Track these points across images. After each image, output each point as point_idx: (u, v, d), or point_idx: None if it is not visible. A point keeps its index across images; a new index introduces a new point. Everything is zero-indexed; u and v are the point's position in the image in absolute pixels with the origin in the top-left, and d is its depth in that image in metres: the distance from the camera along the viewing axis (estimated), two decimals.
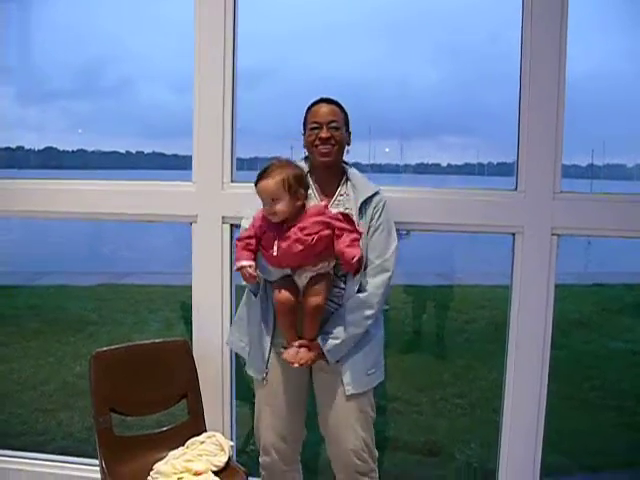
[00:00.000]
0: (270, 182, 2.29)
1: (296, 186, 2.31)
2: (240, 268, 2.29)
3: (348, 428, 2.46)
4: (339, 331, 2.37)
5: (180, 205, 2.89)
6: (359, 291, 2.38)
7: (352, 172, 2.50)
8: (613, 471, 4.07)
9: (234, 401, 3.01)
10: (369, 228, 2.41)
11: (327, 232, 2.26)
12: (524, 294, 2.72)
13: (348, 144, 2.50)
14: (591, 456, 4.09)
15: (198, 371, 2.76)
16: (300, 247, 2.25)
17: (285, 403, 2.52)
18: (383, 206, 2.45)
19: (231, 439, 2.85)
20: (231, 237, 2.88)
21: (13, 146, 4.34)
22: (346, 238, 2.25)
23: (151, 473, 2.50)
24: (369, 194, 2.43)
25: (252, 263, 2.29)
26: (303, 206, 2.33)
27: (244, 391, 3.27)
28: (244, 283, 2.39)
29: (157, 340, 2.79)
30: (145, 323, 6.23)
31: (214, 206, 2.85)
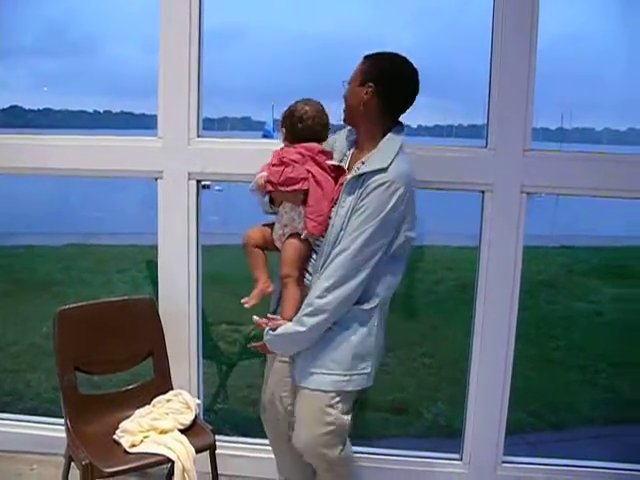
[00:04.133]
0: None
1: (281, 119, 2.31)
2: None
3: (300, 421, 2.29)
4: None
5: (145, 160, 2.83)
6: None
7: (385, 139, 2.15)
8: (576, 427, 4.16)
9: (201, 359, 2.99)
10: (353, 208, 2.10)
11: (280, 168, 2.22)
12: (493, 253, 2.72)
13: (365, 102, 2.13)
14: (555, 413, 4.17)
15: (164, 329, 2.74)
16: (265, 171, 2.24)
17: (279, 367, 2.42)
18: (377, 187, 2.06)
19: (198, 397, 2.83)
20: (197, 193, 2.83)
21: None
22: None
23: (117, 431, 2.48)
24: (368, 169, 2.09)
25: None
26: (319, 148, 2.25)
27: (210, 349, 3.27)
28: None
29: (122, 298, 2.77)
30: (112, 283, 6.15)
31: (180, 161, 2.79)
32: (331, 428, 2.23)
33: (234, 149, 2.80)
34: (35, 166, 2.90)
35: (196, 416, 2.58)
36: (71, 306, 2.61)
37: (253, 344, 2.32)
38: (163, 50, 2.75)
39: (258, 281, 2.33)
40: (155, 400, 2.63)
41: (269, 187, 2.23)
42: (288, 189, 2.19)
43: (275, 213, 2.32)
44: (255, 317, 2.26)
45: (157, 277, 2.93)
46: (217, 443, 2.52)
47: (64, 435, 2.54)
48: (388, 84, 2.13)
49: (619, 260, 7.41)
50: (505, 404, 2.85)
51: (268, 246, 2.35)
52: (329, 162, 2.23)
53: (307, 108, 2.26)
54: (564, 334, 5.49)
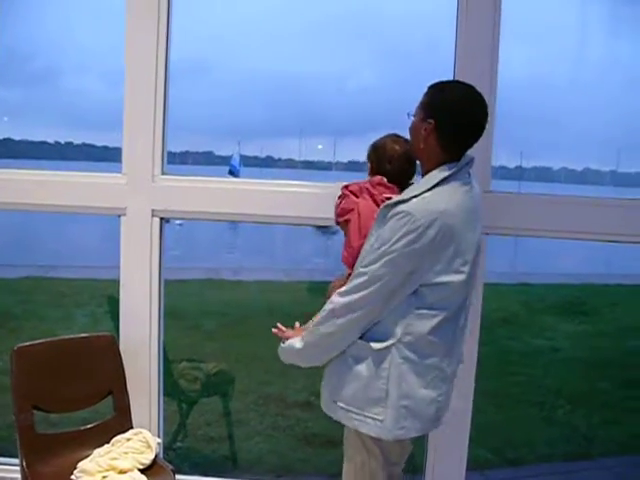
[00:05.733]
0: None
1: (381, 160, 2.26)
2: None
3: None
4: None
5: (109, 197, 2.81)
6: None
7: (429, 174, 2.02)
8: (535, 464, 4.20)
9: (162, 397, 2.95)
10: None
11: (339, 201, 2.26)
12: None
13: (425, 139, 2.01)
14: (514, 450, 4.20)
15: (125, 367, 2.70)
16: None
17: None
18: (391, 217, 1.93)
19: (158, 436, 2.79)
20: (160, 230, 2.82)
21: None
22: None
23: (75, 472, 2.43)
24: (393, 200, 1.98)
25: None
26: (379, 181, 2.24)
27: (170, 387, 3.23)
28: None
29: (82, 335, 2.72)
30: (71, 318, 6.08)
31: (144, 198, 2.78)
32: (358, 468, 2.15)
33: (198, 187, 2.81)
34: None
35: (156, 455, 2.55)
36: (29, 343, 2.56)
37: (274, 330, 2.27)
38: (128, 86, 2.76)
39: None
40: (114, 439, 2.58)
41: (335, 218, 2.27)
42: (340, 220, 2.23)
43: None
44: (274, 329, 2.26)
45: (118, 313, 2.90)
46: None
47: (18, 476, 2.47)
48: (450, 119, 1.99)
49: (575, 297, 7.60)
50: (466, 440, 2.85)
51: None
52: (386, 195, 2.15)
53: (397, 147, 2.23)
54: (523, 370, 5.58)
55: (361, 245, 2.07)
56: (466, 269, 1.99)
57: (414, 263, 1.92)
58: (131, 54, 2.75)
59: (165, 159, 2.82)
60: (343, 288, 2.02)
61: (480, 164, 2.55)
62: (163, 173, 2.80)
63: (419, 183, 2.02)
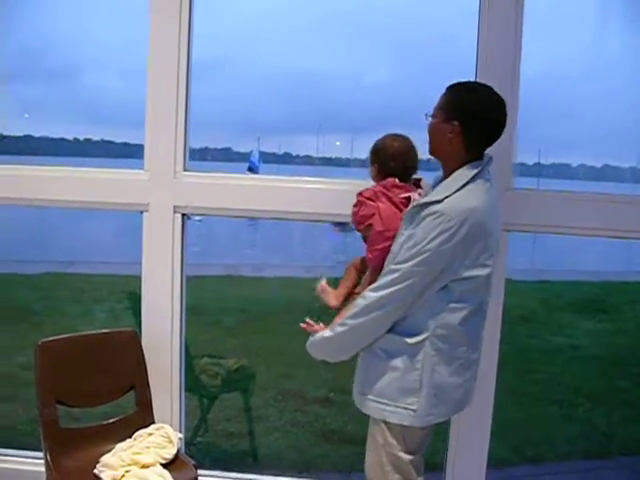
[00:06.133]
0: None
1: (370, 156, 2.33)
2: None
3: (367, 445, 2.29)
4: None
5: (131, 193, 2.83)
6: None
7: (456, 173, 2.07)
8: (554, 462, 4.18)
9: (183, 393, 2.97)
10: (407, 237, 2.05)
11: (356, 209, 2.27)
12: None
13: (450, 140, 2.06)
14: (533, 447, 4.19)
15: (146, 362, 2.72)
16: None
17: None
18: (426, 217, 1.99)
19: (180, 431, 2.81)
20: (182, 226, 2.83)
21: None
22: None
23: (97, 466, 2.45)
24: (425, 200, 2.04)
25: None
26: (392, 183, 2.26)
27: (191, 382, 3.24)
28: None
29: (105, 330, 2.76)
30: (91, 314, 6.12)
31: (166, 195, 2.80)
32: (383, 458, 2.19)
33: (220, 184, 2.82)
34: (18, 196, 2.90)
35: (178, 450, 2.57)
36: (53, 338, 2.59)
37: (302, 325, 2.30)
38: (151, 82, 2.77)
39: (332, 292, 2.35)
40: (136, 434, 2.61)
41: (354, 226, 2.29)
42: (361, 227, 2.25)
43: None
44: (302, 324, 2.29)
45: (139, 309, 2.92)
46: (199, 478, 2.51)
47: (43, 469, 2.50)
48: (474, 121, 2.05)
49: (594, 294, 7.55)
50: (487, 438, 2.85)
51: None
52: (402, 195, 2.21)
53: (396, 144, 2.27)
54: (542, 367, 5.54)
55: (386, 247, 2.15)
56: (491, 262, 2.08)
57: (446, 261, 2.00)
58: (154, 50, 2.76)
59: (187, 155, 2.83)
60: (375, 284, 2.08)
61: (502, 162, 2.55)
62: (185, 169, 2.82)
63: (447, 183, 2.06)
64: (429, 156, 2.20)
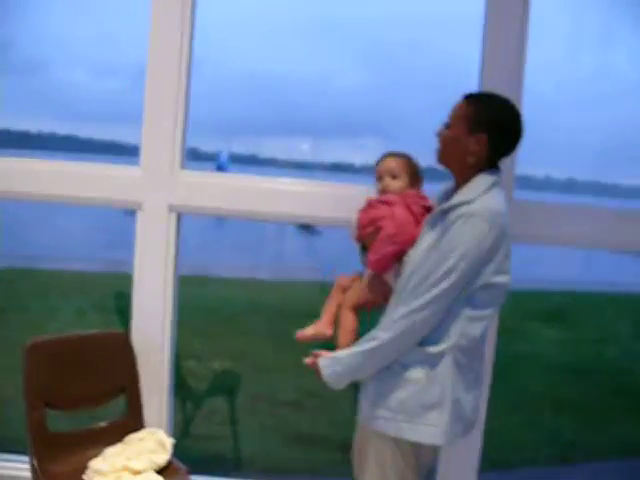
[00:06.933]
0: (393, 161, 2.28)
1: (416, 173, 2.30)
2: None
3: (365, 465, 2.13)
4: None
5: (124, 190, 2.75)
6: None
7: (476, 177, 2.03)
8: (520, 467, 4.23)
9: (172, 396, 2.90)
10: (434, 243, 1.99)
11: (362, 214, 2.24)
12: None
13: (474, 153, 2.03)
14: (500, 453, 4.23)
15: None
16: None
17: None
18: (457, 219, 1.93)
19: (169, 435, 2.74)
20: (177, 226, 2.77)
21: None
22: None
23: (87, 471, 2.38)
24: (452, 202, 1.99)
25: None
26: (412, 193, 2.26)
27: (178, 386, 3.17)
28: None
29: (95, 331, 2.67)
30: (56, 310, 5.94)
31: (161, 193, 2.73)
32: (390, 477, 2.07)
33: (218, 182, 2.76)
34: (4, 190, 2.80)
35: (171, 456, 2.50)
36: (42, 338, 2.50)
37: (307, 360, 2.16)
38: (150, 78, 2.70)
39: (319, 320, 2.28)
40: (127, 438, 2.54)
41: (356, 234, 2.24)
42: (369, 230, 2.18)
43: None
44: (306, 359, 2.16)
45: (124, 308, 2.85)
46: None
47: (28, 474, 2.41)
48: (502, 134, 2.04)
49: (557, 304, 7.67)
50: (479, 442, 2.87)
51: (356, 292, 2.27)
52: (422, 204, 2.19)
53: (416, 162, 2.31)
54: (507, 375, 5.60)
55: (391, 252, 2.10)
56: (510, 269, 2.03)
57: (478, 265, 1.94)
58: (155, 47, 2.70)
59: (185, 152, 2.77)
60: (407, 296, 1.98)
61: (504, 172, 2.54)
62: (182, 168, 2.76)
63: (470, 187, 2.02)
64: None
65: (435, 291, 1.93)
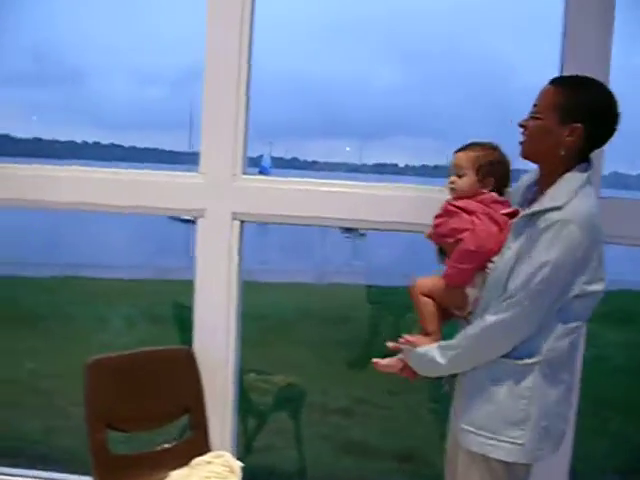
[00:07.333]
0: (463, 155, 2.08)
1: (487, 169, 2.05)
2: None
3: (451, 471, 2.08)
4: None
5: (186, 198, 2.60)
6: None
7: (566, 176, 1.85)
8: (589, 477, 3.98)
9: (236, 416, 2.74)
10: (520, 251, 1.83)
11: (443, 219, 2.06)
12: None
13: (568, 145, 1.83)
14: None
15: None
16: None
17: None
18: (548, 227, 1.75)
19: (234, 456, 2.59)
20: (241, 234, 2.61)
21: None
22: None
23: None
24: (540, 207, 1.82)
25: None
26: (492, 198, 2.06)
27: (241, 402, 3.03)
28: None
29: (158, 348, 2.53)
30: (105, 320, 5.88)
31: (224, 200, 2.57)
32: None
33: (282, 188, 2.60)
34: (62, 200, 2.68)
35: None
36: (102, 356, 2.37)
37: (391, 344, 2.09)
38: (209, 82, 2.56)
39: (429, 334, 2.07)
40: (194, 462, 2.38)
41: (434, 238, 2.09)
42: (450, 240, 2.00)
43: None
44: (390, 343, 2.09)
45: (183, 320, 2.71)
46: None
47: None
48: (600, 123, 1.85)
49: (617, 304, 7.38)
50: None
51: (434, 297, 2.09)
52: (503, 211, 1.99)
53: (507, 159, 2.09)
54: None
55: (471, 269, 1.96)
56: (604, 276, 1.85)
57: (575, 273, 1.78)
58: (212, 50, 2.55)
59: (246, 157, 2.62)
60: (494, 307, 1.85)
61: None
62: (244, 173, 2.60)
63: (560, 187, 1.84)
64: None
65: (527, 303, 1.78)
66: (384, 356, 2.11)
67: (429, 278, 2.10)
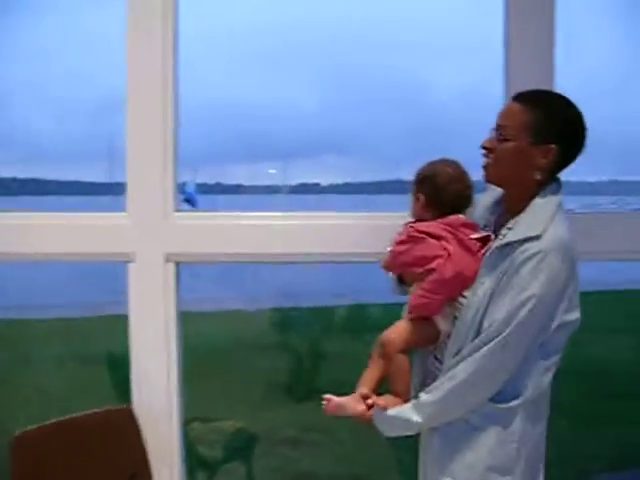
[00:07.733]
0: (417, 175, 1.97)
1: (416, 185, 1.94)
2: None
3: None
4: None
5: (113, 241, 2.38)
6: None
7: (539, 199, 1.73)
8: None
9: (184, 472, 2.51)
10: (496, 286, 1.69)
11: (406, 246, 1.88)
12: None
13: (541, 167, 1.72)
14: None
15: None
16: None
17: None
18: (528, 260, 1.63)
19: None
20: (176, 277, 2.40)
21: None
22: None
23: None
24: (516, 237, 1.68)
25: None
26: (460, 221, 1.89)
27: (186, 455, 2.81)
28: None
29: (95, 410, 2.27)
30: (29, 362, 5.51)
31: (156, 241, 2.35)
32: None
33: (222, 225, 2.41)
34: None
35: None
36: (32, 428, 2.11)
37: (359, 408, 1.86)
38: (131, 112, 2.34)
39: (398, 395, 1.86)
40: None
41: (393, 268, 1.92)
42: (419, 270, 1.82)
43: (406, 294, 1.93)
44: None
45: (117, 370, 2.48)
46: None
47: None
48: (573, 143, 1.75)
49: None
50: None
51: (412, 346, 1.90)
52: (473, 236, 1.84)
53: (450, 171, 1.90)
54: None
55: (443, 300, 1.80)
56: (579, 303, 1.74)
57: (557, 305, 1.67)
58: (133, 76, 2.34)
59: (177, 193, 2.41)
60: (470, 350, 1.70)
61: None
62: (176, 210, 2.39)
63: (534, 214, 1.71)
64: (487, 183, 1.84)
65: (511, 341, 1.65)
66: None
67: (397, 327, 1.89)
